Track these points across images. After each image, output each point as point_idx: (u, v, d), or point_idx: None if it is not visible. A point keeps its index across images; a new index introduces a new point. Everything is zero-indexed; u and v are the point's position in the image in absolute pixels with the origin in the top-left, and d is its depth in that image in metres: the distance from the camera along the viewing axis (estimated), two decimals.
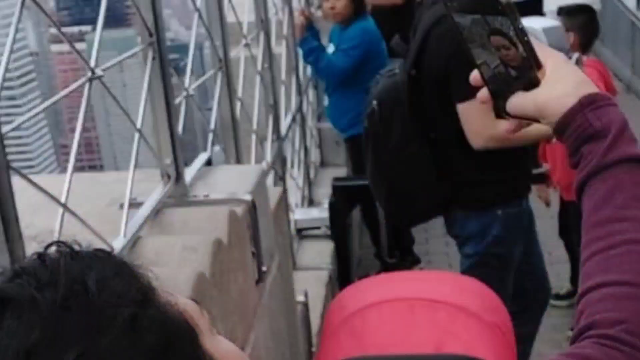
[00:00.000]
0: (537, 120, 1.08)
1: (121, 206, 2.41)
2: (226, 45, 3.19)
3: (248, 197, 2.62)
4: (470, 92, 1.25)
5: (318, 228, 4.60)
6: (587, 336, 0.93)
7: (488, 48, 1.09)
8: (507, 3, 1.03)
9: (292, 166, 4.85)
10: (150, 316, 0.68)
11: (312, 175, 5.29)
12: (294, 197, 4.79)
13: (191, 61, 2.92)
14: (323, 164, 5.78)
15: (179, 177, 2.57)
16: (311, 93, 5.81)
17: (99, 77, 2.03)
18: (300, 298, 3.53)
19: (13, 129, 1.64)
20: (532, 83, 1.07)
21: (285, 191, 4.15)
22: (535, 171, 4.06)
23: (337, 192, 4.51)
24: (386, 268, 5.26)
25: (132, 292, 0.69)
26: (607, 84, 4.39)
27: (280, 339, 2.99)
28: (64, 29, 2.45)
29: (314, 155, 5.62)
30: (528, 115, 1.08)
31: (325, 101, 5.36)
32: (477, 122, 3.02)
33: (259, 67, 3.96)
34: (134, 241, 2.20)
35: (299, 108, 4.93)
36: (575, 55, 4.10)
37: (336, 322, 2.57)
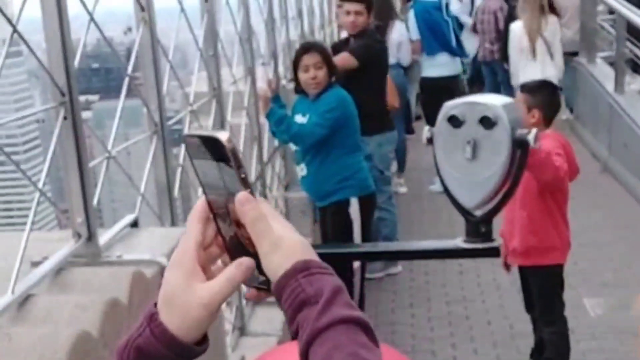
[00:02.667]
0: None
1: (33, 264, 2.43)
2: (162, 109, 3.24)
3: (162, 260, 2.62)
4: None
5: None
6: None
7: (224, 217, 1.02)
8: (233, 149, 0.97)
9: None
10: None
11: None
12: None
13: (117, 124, 2.96)
14: None
15: (91, 236, 2.58)
16: (278, 163, 5.85)
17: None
18: None
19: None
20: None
21: None
22: (488, 245, 4.05)
23: None
24: None
25: None
26: (569, 157, 4.38)
27: None
28: None
29: None
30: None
31: (303, 171, 5.36)
32: None
33: None
34: (26, 298, 2.20)
35: (259, 177, 4.96)
36: (534, 131, 4.12)
37: None
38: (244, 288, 1.05)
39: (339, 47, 6.07)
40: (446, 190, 3.89)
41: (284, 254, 0.98)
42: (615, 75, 8.58)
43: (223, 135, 0.96)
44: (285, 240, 0.99)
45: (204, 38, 4.08)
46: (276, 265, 0.98)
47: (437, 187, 7.58)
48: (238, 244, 1.02)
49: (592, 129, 9.13)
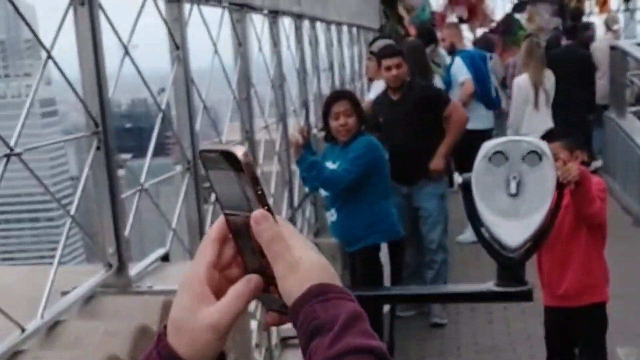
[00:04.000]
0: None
1: (62, 293, 2.45)
2: (195, 146, 3.28)
3: None
4: None
5: None
6: None
7: (245, 238, 0.96)
8: (248, 164, 0.92)
9: None
10: None
11: None
12: None
13: (150, 157, 3.00)
14: None
15: (122, 267, 2.60)
16: (308, 209, 5.87)
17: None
18: None
19: None
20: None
21: None
22: (521, 288, 4.00)
23: None
24: None
25: None
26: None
27: None
28: None
29: None
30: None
31: (333, 216, 5.36)
32: None
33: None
34: (55, 324, 2.22)
35: (290, 221, 4.97)
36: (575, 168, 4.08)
37: None
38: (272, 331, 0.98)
39: (381, 102, 6.19)
40: (480, 236, 3.86)
41: (300, 276, 0.91)
42: None
43: (239, 150, 0.91)
44: (303, 262, 0.92)
45: (237, 82, 4.14)
46: (291, 288, 0.91)
47: (466, 237, 7.55)
48: (260, 268, 0.96)
49: (622, 182, 9.09)
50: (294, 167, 5.26)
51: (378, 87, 6.88)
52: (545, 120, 7.65)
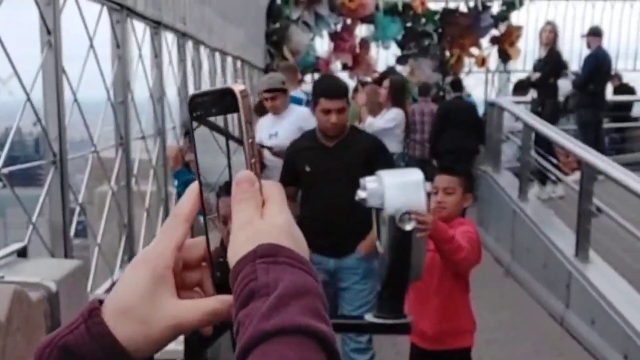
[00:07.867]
0: None
1: None
2: (62, 139, 3.06)
3: (51, 284, 2.40)
4: None
5: None
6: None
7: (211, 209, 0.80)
8: (243, 92, 0.76)
9: None
10: None
11: None
12: None
13: (9, 144, 2.77)
14: None
15: None
16: None
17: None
18: None
19: None
20: None
21: None
22: (399, 321, 3.90)
23: None
24: None
25: None
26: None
27: None
28: None
29: None
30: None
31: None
32: None
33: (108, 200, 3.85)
34: None
35: None
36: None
37: None
38: None
39: (307, 147, 4.68)
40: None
41: (253, 233, 0.73)
42: (520, 183, 8.75)
43: (237, 87, 0.76)
44: (263, 219, 0.74)
45: (113, 83, 3.94)
46: (238, 246, 0.73)
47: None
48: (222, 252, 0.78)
49: (495, 234, 9.24)
50: (171, 189, 5.06)
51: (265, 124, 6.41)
52: None
